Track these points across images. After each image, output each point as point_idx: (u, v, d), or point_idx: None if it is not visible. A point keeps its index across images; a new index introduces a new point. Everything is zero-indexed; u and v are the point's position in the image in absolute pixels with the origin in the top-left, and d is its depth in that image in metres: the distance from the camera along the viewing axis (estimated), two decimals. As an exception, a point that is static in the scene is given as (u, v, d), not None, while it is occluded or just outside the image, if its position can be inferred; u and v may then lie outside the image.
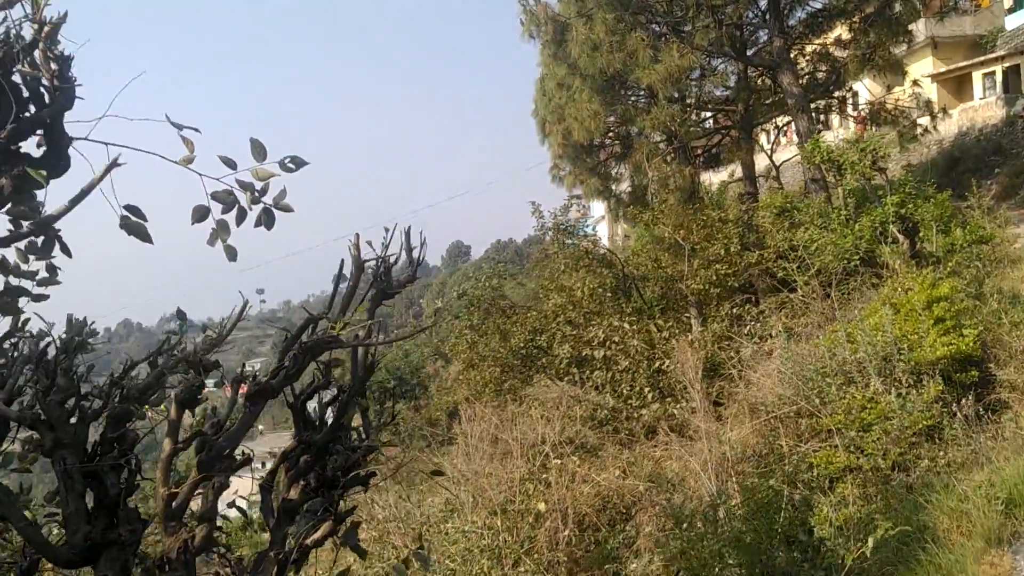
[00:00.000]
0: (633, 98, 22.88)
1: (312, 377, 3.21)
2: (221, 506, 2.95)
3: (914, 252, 10.34)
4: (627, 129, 22.91)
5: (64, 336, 2.81)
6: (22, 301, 2.60)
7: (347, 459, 2.93)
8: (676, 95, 21.53)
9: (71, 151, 2.58)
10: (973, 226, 11.03)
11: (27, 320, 2.71)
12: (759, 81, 23.17)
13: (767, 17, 20.92)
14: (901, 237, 10.52)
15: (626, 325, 11.00)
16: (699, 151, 24.73)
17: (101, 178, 2.47)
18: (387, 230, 3.39)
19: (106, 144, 2.65)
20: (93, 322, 3.13)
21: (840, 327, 7.94)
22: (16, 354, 2.61)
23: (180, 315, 3.87)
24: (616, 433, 10.28)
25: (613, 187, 25.46)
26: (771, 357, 8.59)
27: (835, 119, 30.73)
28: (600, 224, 46.34)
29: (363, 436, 3.21)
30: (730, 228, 13.84)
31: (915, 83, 21.90)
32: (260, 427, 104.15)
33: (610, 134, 24.35)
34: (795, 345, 8.40)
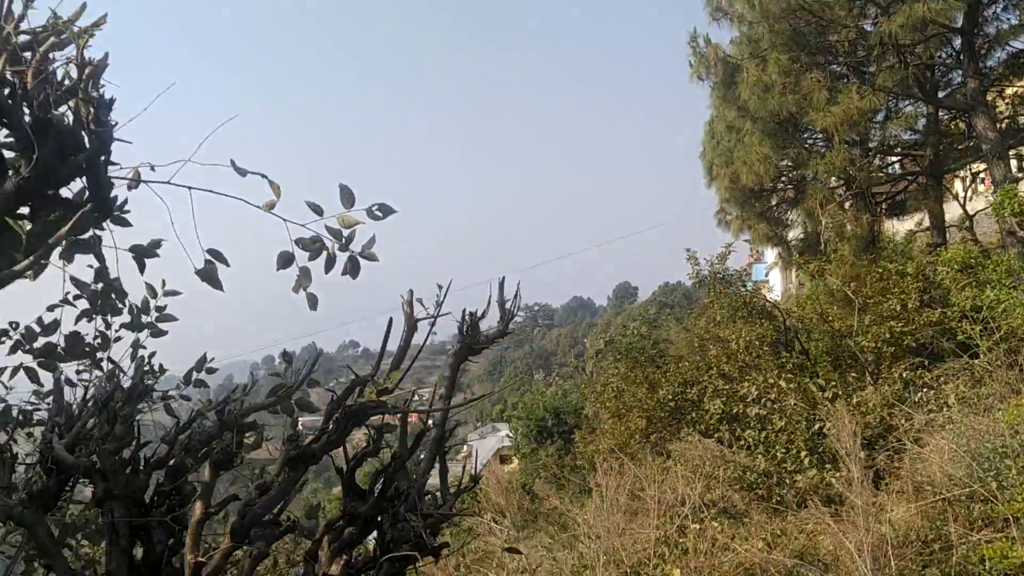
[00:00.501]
0: (810, 142, 21.90)
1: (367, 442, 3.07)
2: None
3: None
4: (800, 173, 21.87)
5: (130, 381, 2.82)
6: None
7: (400, 531, 2.75)
8: (856, 138, 20.39)
9: (157, 193, 2.61)
10: None
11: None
12: (951, 125, 21.48)
13: (961, 57, 19.40)
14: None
15: (782, 383, 10.28)
16: (881, 198, 23.25)
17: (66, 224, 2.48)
18: (440, 287, 3.22)
19: (189, 188, 2.66)
20: (166, 370, 3.15)
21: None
22: (88, 399, 2.64)
23: (286, 357, 3.84)
24: (765, 500, 9.59)
25: (783, 233, 24.39)
26: (943, 430, 7.68)
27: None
28: (773, 271, 44.36)
29: (440, 502, 3.03)
30: (908, 282, 12.76)
31: None
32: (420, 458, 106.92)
33: (782, 179, 23.40)
34: (972, 418, 7.46)
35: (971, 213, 19.22)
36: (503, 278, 3.47)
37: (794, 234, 25.23)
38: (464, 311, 3.35)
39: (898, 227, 28.90)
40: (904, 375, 10.25)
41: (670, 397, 11.74)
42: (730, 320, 12.71)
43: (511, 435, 60.00)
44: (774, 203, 24.07)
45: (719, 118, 22.69)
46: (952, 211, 23.14)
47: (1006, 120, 20.74)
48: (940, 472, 6.93)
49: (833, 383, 11.43)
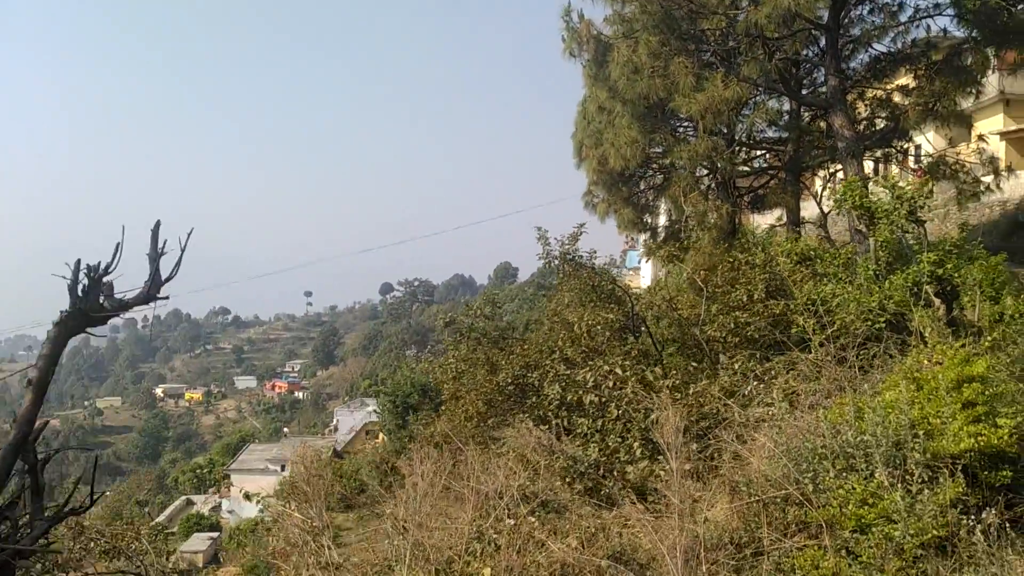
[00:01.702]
0: (680, 129, 21.82)
1: None
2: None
3: (951, 319, 9.01)
4: (670, 160, 21.80)
5: None
6: None
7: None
8: (723, 129, 20.43)
9: None
10: (1028, 295, 9.67)
11: None
12: (812, 123, 21.84)
13: (825, 55, 19.68)
14: (937, 301, 9.22)
15: (619, 370, 9.85)
16: (744, 190, 23.53)
17: None
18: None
19: None
20: None
21: (849, 400, 6.73)
22: None
23: None
24: (593, 493, 9.13)
25: (650, 220, 24.39)
26: (767, 427, 7.37)
27: (895, 170, 29.13)
28: (645, 259, 44.88)
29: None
30: (756, 273, 12.64)
31: (980, 138, 20.36)
32: (286, 431, 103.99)
33: (652, 165, 23.34)
34: (794, 416, 7.17)
35: (826, 211, 19.55)
36: (158, 222, 2.63)
37: (661, 222, 25.33)
38: (78, 264, 2.49)
39: (760, 221, 29.55)
40: (738, 367, 10.01)
41: (509, 381, 11.15)
42: (578, 304, 12.28)
43: (378, 411, 59.04)
44: (642, 188, 24.03)
45: (591, 98, 22.34)
46: (811, 208, 23.66)
47: (864, 121, 21.22)
48: (757, 471, 6.59)
49: (674, 371, 11.14)
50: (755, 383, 8.89)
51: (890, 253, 10.04)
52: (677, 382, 10.34)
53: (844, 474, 6.15)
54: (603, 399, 10.10)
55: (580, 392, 9.99)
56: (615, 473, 8.91)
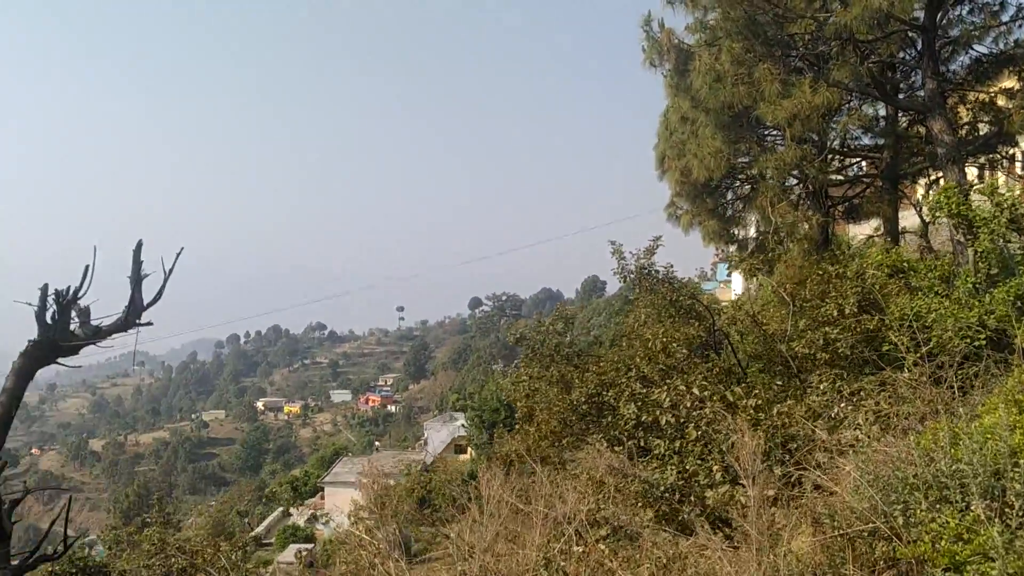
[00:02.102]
0: (768, 137, 21.11)
1: None
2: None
3: (1061, 340, 8.27)
4: (757, 171, 21.10)
5: None
6: None
7: None
8: (814, 136, 19.65)
9: None
10: None
11: None
12: (910, 128, 20.77)
13: (922, 57, 18.69)
14: (1045, 318, 8.47)
15: (695, 390, 9.41)
16: (837, 200, 22.57)
17: None
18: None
19: None
20: None
21: (944, 425, 6.18)
22: None
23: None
24: (669, 519, 8.74)
25: (736, 232, 23.64)
26: (854, 453, 6.83)
27: (1001, 178, 27.38)
28: (736, 271, 43.65)
29: None
30: (847, 285, 11.98)
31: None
32: (377, 444, 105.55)
33: (740, 175, 22.66)
34: (884, 441, 6.61)
35: (927, 221, 18.52)
36: (139, 242, 2.50)
37: (749, 233, 24.53)
38: (46, 289, 2.37)
39: (857, 231, 28.32)
40: (823, 387, 9.42)
41: (583, 400, 10.84)
42: (656, 319, 11.88)
43: (466, 425, 59.22)
44: (728, 199, 23.35)
45: (673, 108, 21.86)
46: (911, 218, 22.50)
47: (966, 127, 20.10)
48: (843, 502, 6.09)
49: (758, 391, 10.63)
50: (843, 404, 8.33)
51: (991, 265, 9.30)
52: (760, 402, 9.84)
53: (937, 506, 5.62)
54: (681, 419, 9.69)
55: (656, 412, 9.61)
56: (693, 498, 8.49)
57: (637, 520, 8.08)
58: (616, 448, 9.82)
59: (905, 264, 10.94)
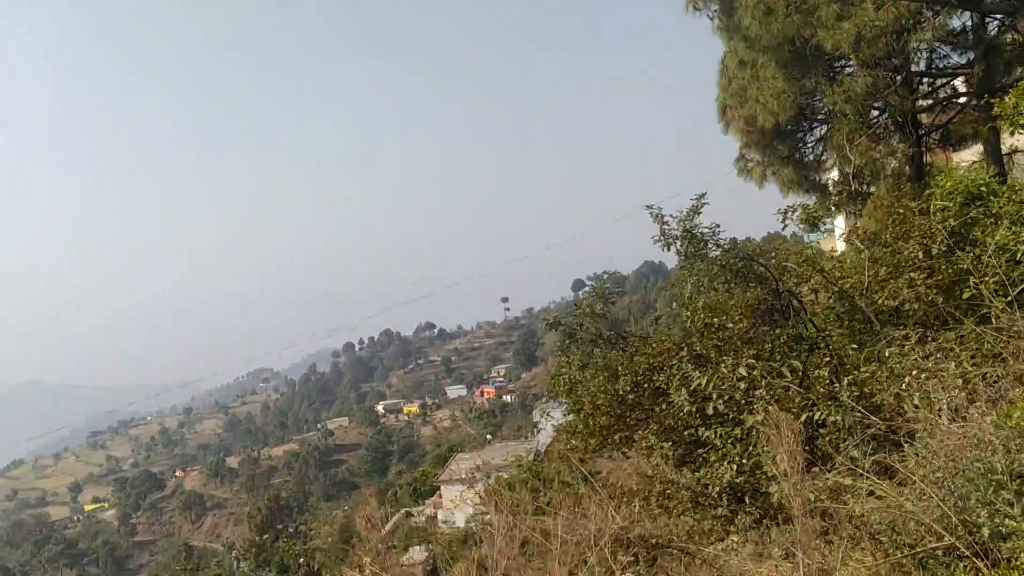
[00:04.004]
0: (840, 68, 19.03)
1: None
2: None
3: None
4: (830, 107, 19.07)
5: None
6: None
7: None
8: (894, 61, 17.52)
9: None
10: None
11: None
12: (1003, 36, 18.29)
13: (1007, -52, 16.32)
14: None
15: (743, 369, 7.96)
16: (930, 127, 20.25)
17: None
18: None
19: None
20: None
21: (1040, 393, 4.66)
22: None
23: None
24: (729, 520, 7.38)
25: (816, 177, 21.55)
26: (928, 437, 5.29)
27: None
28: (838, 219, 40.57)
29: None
30: (933, 222, 10.19)
31: None
32: (489, 437, 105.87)
33: (818, 116, 20.60)
34: (957, 421, 5.03)
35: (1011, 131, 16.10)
36: None
37: (831, 176, 22.39)
38: None
39: (960, 159, 25.60)
40: (886, 353, 7.80)
41: (629, 388, 9.50)
42: (709, 287, 10.41)
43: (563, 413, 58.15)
44: (806, 143, 21.33)
45: (730, 53, 19.97)
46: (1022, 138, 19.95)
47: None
48: (903, 510, 4.60)
49: (828, 358, 9.11)
50: (913, 372, 6.72)
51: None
52: (834, 371, 8.34)
53: (1036, 509, 4.15)
54: (737, 403, 8.29)
55: (698, 399, 8.23)
56: (747, 500, 7.12)
57: (683, 530, 6.76)
58: (664, 445, 8.49)
59: (983, 189, 9.09)
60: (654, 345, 10.26)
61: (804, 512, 5.08)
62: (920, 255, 10.10)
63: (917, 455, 5.00)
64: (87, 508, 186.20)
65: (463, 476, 62.13)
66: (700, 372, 8.12)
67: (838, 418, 7.95)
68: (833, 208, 20.02)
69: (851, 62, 17.90)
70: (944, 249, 9.82)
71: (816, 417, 8.40)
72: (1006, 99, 8.64)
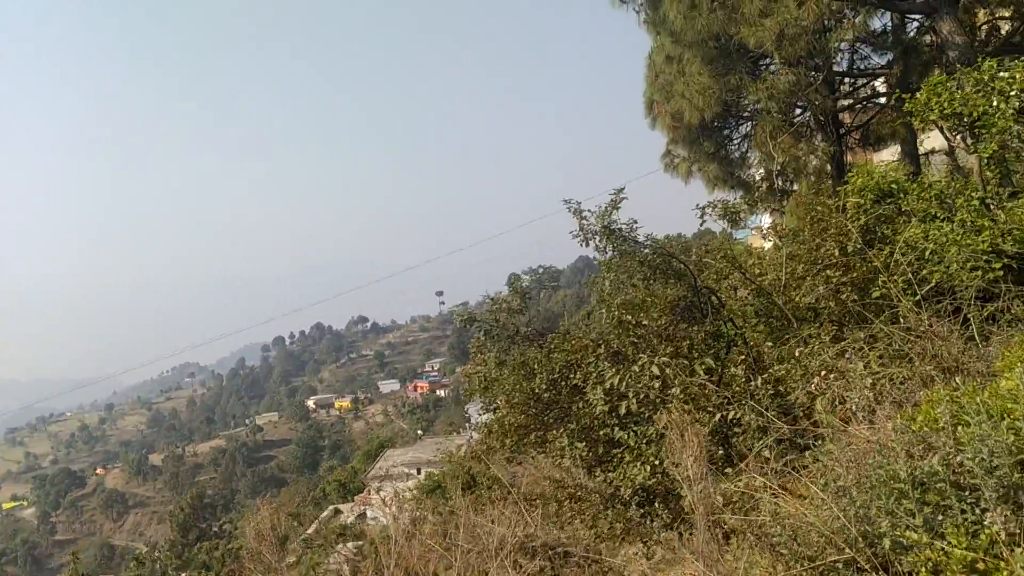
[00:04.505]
0: (765, 66, 19.14)
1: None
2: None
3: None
4: (753, 104, 19.17)
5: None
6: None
7: None
8: (818, 61, 17.65)
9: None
10: None
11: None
12: (922, 37, 18.62)
13: (926, -50, 16.55)
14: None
15: (654, 368, 7.78)
16: (851, 127, 20.59)
17: None
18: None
19: None
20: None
21: (944, 396, 4.53)
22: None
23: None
24: (640, 524, 7.18)
25: (741, 175, 21.69)
26: (829, 444, 5.13)
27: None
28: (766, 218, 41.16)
29: None
30: (851, 218, 10.17)
31: None
32: (420, 432, 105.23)
33: (744, 113, 20.70)
34: (863, 424, 4.89)
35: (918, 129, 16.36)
36: None
37: (758, 174, 22.58)
38: None
39: (880, 159, 26.14)
40: (795, 350, 7.72)
41: (545, 387, 9.26)
42: (629, 284, 10.23)
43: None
44: (732, 140, 21.43)
45: (657, 49, 19.95)
46: (939, 138, 20.40)
47: (985, 26, 18.02)
48: (805, 519, 4.42)
49: (743, 356, 9.01)
50: (822, 372, 6.61)
51: (1002, 174, 7.46)
52: (745, 368, 8.22)
53: (939, 518, 4.00)
54: (652, 402, 8.10)
55: (614, 399, 8.02)
56: (658, 504, 6.92)
57: (589, 539, 6.52)
58: (579, 445, 8.26)
59: (893, 186, 9.08)
60: (573, 342, 10.02)
61: (707, 520, 4.86)
62: (836, 252, 10.10)
63: (819, 461, 4.83)
64: (5, 506, 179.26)
65: (398, 472, 61.50)
66: (615, 370, 7.88)
67: (753, 417, 7.85)
68: (755, 205, 20.16)
69: (775, 60, 18.05)
70: (859, 247, 9.81)
71: (730, 416, 8.30)
72: (918, 95, 8.62)
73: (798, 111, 19.22)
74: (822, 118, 19.30)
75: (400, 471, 59.98)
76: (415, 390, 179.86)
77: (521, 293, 10.60)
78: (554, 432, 8.68)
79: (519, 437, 9.64)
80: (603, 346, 9.51)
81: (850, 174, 10.00)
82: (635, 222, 9.92)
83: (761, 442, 7.35)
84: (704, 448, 5.26)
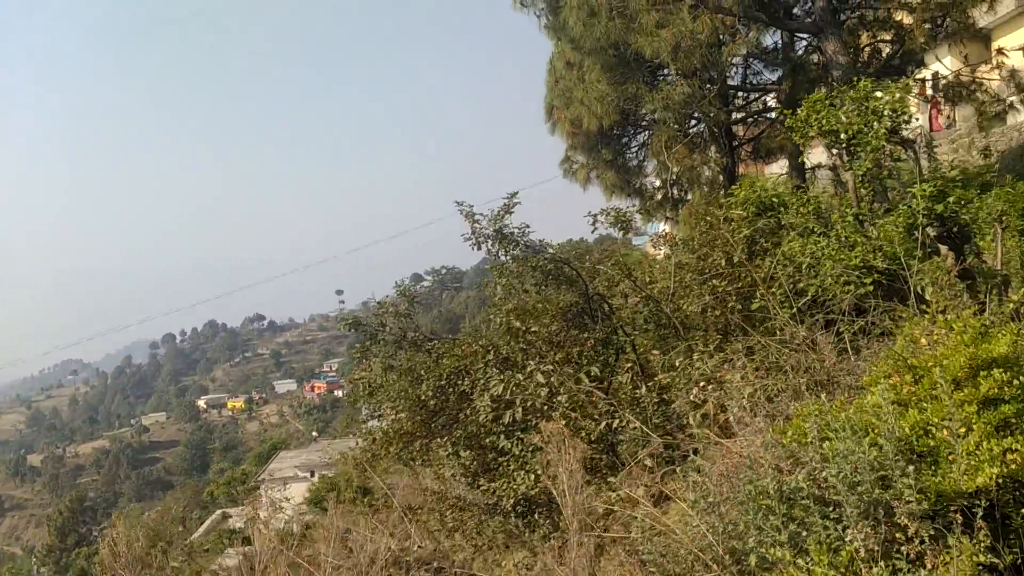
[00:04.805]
0: (661, 76, 19.47)
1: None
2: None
3: (963, 271, 6.68)
4: (651, 114, 19.47)
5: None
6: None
7: None
8: (712, 74, 18.05)
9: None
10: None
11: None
12: (810, 56, 19.33)
13: (813, -26, 17.17)
14: (943, 248, 6.92)
15: (539, 376, 7.73)
16: (744, 140, 21.23)
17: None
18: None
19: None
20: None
21: (813, 410, 4.60)
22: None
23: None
24: (524, 533, 7.08)
25: (638, 183, 22.03)
26: (705, 456, 5.17)
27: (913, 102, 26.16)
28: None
29: None
30: (735, 229, 10.37)
31: (1000, 52, 17.76)
32: (315, 434, 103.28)
33: (642, 122, 21.01)
34: (736, 436, 4.95)
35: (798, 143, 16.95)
36: None
37: (656, 183, 22.98)
38: None
39: (771, 171, 27.04)
40: (678, 361, 7.82)
41: (431, 393, 9.08)
42: (520, 289, 10.15)
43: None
44: (630, 148, 21.74)
45: (558, 54, 20.10)
46: (824, 153, 21.19)
47: (868, 47, 18.84)
48: (680, 536, 4.42)
49: (630, 364, 9.04)
50: (700, 384, 6.68)
51: (875, 191, 7.75)
52: (623, 378, 8.24)
53: (804, 534, 4.03)
54: (539, 409, 8.03)
55: (501, 407, 7.91)
56: (539, 513, 6.84)
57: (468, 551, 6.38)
58: (464, 454, 8.11)
59: (774, 200, 9.35)
60: (462, 348, 9.87)
61: (579, 535, 4.79)
62: (723, 263, 10.28)
63: (689, 475, 4.82)
64: None
65: (291, 475, 59.94)
66: (501, 377, 7.77)
67: (637, 425, 7.88)
68: (650, 213, 20.56)
69: (671, 71, 18.39)
70: (745, 257, 10.02)
71: (615, 425, 8.31)
72: (798, 112, 8.87)
73: (693, 122, 19.64)
74: (716, 130, 19.75)
75: (293, 474, 58.60)
76: (312, 390, 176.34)
77: (409, 296, 10.38)
78: (439, 440, 8.49)
79: (404, 445, 9.41)
80: (492, 352, 9.39)
81: (734, 187, 10.20)
82: (527, 226, 9.84)
83: (643, 451, 7.38)
84: (581, 460, 5.18)
